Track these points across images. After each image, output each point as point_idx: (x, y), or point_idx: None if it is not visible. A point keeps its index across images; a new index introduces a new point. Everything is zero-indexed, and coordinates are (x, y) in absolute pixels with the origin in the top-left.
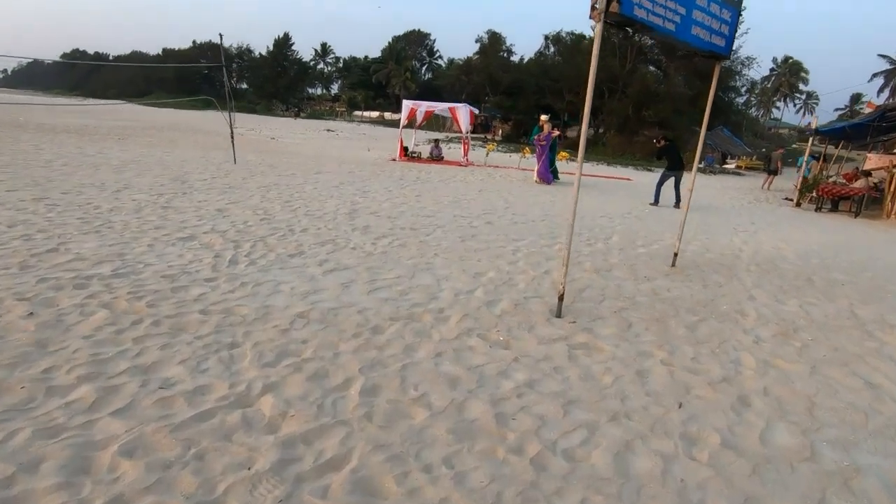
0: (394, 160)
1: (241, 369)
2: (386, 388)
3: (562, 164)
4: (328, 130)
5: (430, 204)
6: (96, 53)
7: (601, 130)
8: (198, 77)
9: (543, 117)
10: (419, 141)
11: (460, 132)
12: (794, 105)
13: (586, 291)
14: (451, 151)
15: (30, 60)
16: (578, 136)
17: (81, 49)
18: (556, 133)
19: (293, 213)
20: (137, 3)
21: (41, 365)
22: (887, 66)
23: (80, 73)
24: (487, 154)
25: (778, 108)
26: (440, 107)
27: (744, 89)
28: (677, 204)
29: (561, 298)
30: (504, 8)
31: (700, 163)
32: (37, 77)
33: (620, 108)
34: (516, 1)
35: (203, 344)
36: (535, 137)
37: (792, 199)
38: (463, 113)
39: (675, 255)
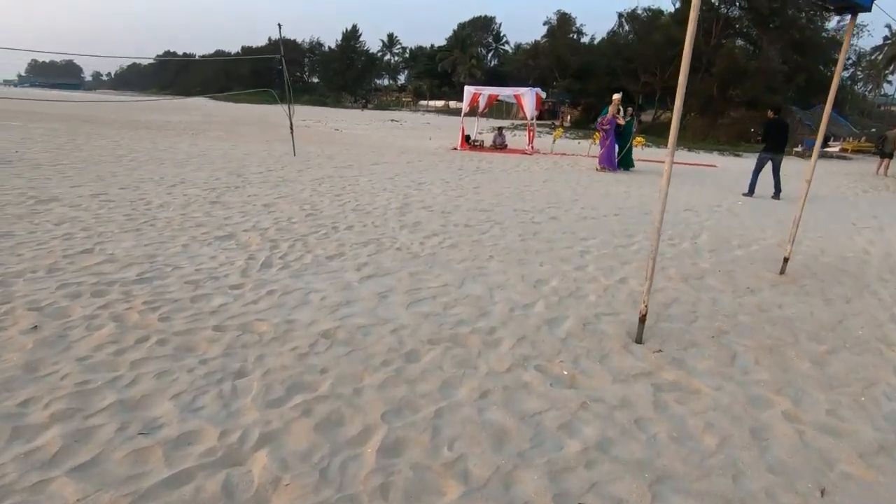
0: (455, 149)
1: (240, 409)
2: (412, 445)
3: (637, 150)
4: (392, 120)
5: (489, 197)
6: (185, 54)
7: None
8: (272, 72)
9: (616, 96)
10: (483, 129)
11: (525, 119)
12: None
13: (673, 307)
14: (517, 139)
15: (130, 63)
16: (654, 119)
17: (172, 50)
18: (620, 121)
19: (341, 209)
20: (220, 4)
21: (20, 395)
22: None
23: (170, 72)
24: (554, 141)
25: (890, 82)
26: (504, 92)
27: (849, 62)
28: (777, 194)
29: (642, 320)
30: None
31: (799, 146)
32: (135, 78)
33: (704, 87)
34: None
35: (206, 371)
36: (599, 120)
37: None
38: (528, 98)
39: (786, 259)
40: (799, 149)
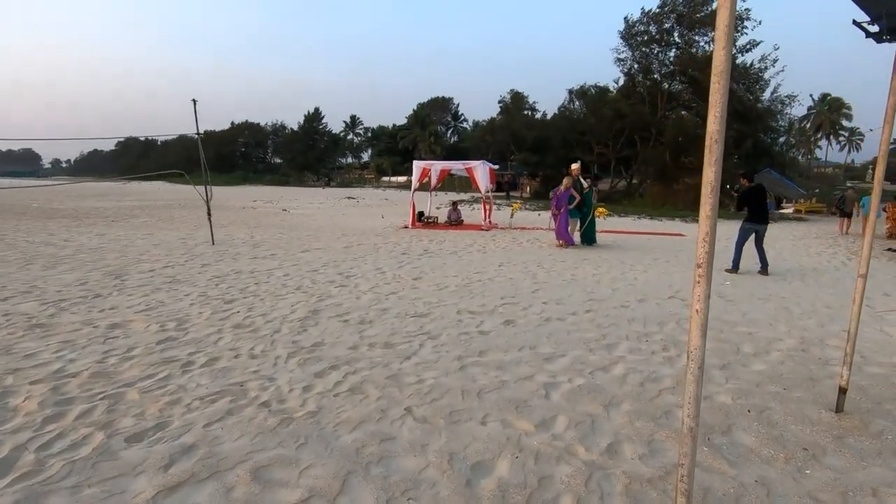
0: (406, 228)
1: None
2: None
3: (600, 221)
4: (349, 198)
5: (430, 292)
6: (146, 139)
7: (635, 181)
8: (235, 154)
9: (574, 166)
10: (440, 203)
11: (480, 191)
12: (839, 143)
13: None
14: (475, 213)
15: (91, 150)
16: (611, 188)
17: (134, 136)
18: (577, 196)
19: (219, 325)
20: (185, 92)
21: None
22: None
23: (131, 157)
24: (512, 215)
25: (820, 147)
26: (456, 165)
27: (783, 129)
28: (764, 269)
29: None
30: (528, 70)
31: None
32: (96, 164)
33: (656, 155)
34: (539, 63)
35: None
36: (552, 193)
37: None
38: (481, 171)
39: (843, 391)
40: None
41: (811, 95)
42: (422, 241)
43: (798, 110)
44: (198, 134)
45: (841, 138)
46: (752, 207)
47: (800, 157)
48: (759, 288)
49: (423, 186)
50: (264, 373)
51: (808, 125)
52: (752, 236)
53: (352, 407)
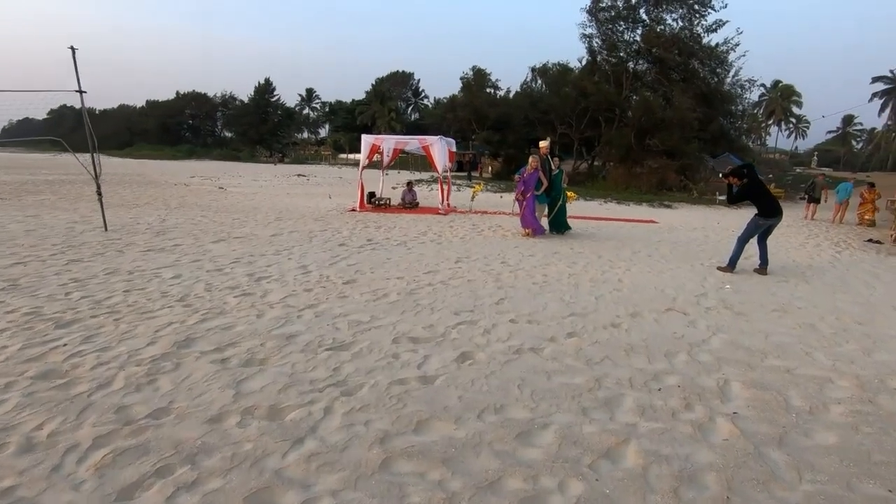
0: (353, 210)
1: None
2: None
3: (568, 205)
4: (299, 175)
5: (362, 303)
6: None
7: (597, 163)
8: (182, 126)
9: (543, 144)
10: (396, 183)
11: (437, 171)
12: (787, 130)
13: None
14: (433, 195)
15: (21, 119)
16: (574, 169)
17: (69, 105)
18: (544, 180)
19: (13, 375)
20: (125, 57)
21: None
22: (883, 87)
23: (65, 127)
24: (473, 198)
25: (770, 134)
26: (411, 142)
27: (739, 114)
28: (763, 266)
29: None
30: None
31: (722, 196)
32: (27, 134)
33: (621, 137)
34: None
35: None
36: (518, 175)
37: (881, 241)
38: (438, 148)
39: None
40: (723, 197)
41: (763, 85)
42: (368, 227)
43: (752, 95)
44: (79, 90)
45: (790, 125)
46: (760, 200)
47: (750, 143)
48: (764, 294)
49: (377, 165)
50: (21, 494)
51: (760, 111)
52: (757, 233)
53: None
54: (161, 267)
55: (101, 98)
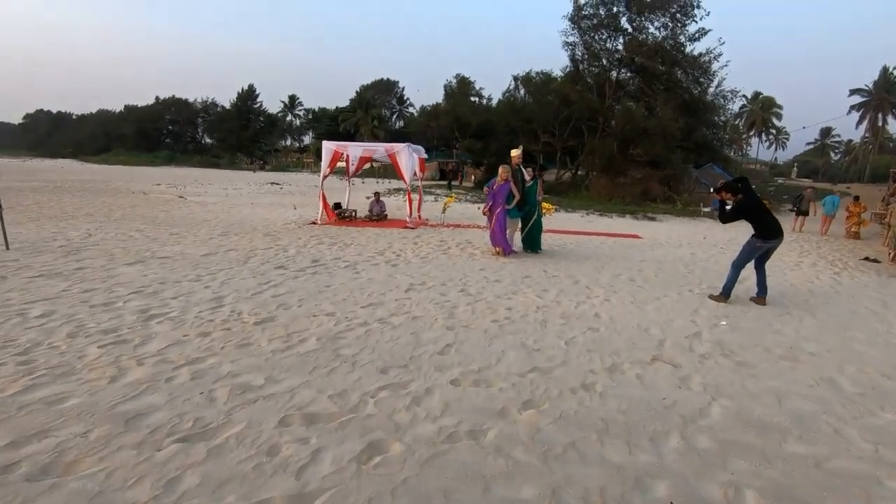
0: (314, 223)
1: None
2: None
3: (546, 218)
4: (273, 184)
5: (265, 356)
6: (59, 113)
7: (581, 172)
8: (161, 132)
9: (514, 152)
10: (371, 193)
11: (405, 181)
12: (768, 140)
13: None
14: (406, 206)
15: None
16: (557, 179)
17: (46, 109)
18: (516, 193)
19: None
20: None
21: None
22: (860, 99)
23: (40, 133)
24: (444, 210)
25: (751, 144)
26: (378, 150)
27: (721, 124)
28: (761, 296)
29: None
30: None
31: (708, 207)
32: (2, 137)
33: (603, 146)
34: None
35: None
36: (487, 187)
37: (878, 260)
38: (405, 157)
39: None
40: (707, 209)
41: (744, 96)
42: (321, 243)
43: (734, 106)
44: None
45: (770, 136)
46: (759, 220)
47: (732, 154)
48: (767, 332)
49: (342, 172)
50: None
51: (741, 123)
52: (753, 258)
53: None
54: (36, 300)
55: (81, 104)
